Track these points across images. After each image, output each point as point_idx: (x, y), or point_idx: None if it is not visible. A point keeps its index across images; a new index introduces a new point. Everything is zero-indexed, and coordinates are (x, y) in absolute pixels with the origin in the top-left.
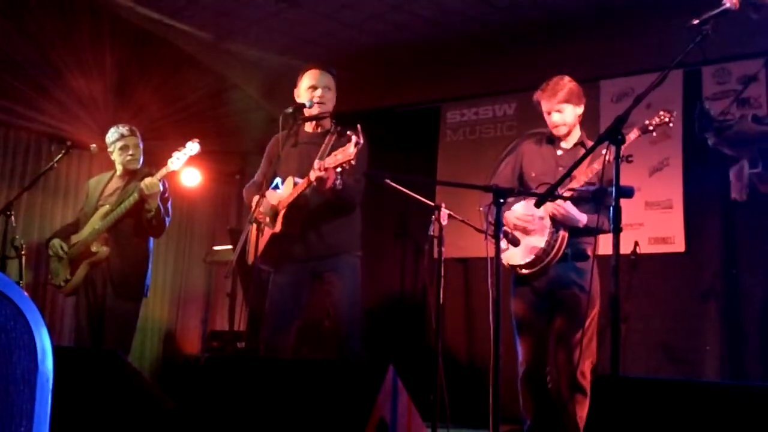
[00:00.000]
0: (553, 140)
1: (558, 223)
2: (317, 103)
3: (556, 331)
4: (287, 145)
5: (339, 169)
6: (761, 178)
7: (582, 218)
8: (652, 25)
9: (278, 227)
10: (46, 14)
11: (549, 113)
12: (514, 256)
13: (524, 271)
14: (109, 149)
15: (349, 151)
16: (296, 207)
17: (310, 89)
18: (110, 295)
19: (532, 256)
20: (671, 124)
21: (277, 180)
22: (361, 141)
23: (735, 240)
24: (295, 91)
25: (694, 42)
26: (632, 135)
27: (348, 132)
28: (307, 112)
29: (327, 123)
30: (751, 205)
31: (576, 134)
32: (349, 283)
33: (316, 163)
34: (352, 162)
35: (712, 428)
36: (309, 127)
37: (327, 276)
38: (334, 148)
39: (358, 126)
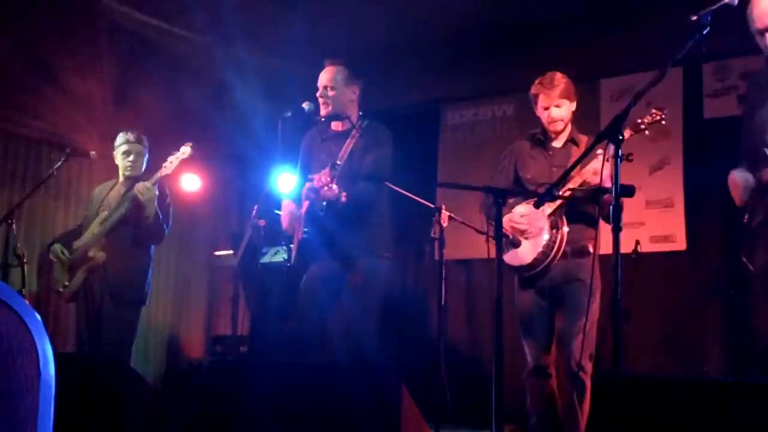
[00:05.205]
0: (544, 141)
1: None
2: (321, 103)
3: (557, 327)
4: (316, 141)
5: (334, 185)
6: None
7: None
8: (652, 23)
9: (300, 234)
10: (44, 21)
11: (547, 108)
12: (516, 259)
13: (526, 273)
14: (114, 153)
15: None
16: (313, 213)
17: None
18: (107, 302)
19: (533, 258)
20: (664, 122)
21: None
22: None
23: (736, 237)
24: None
25: (693, 38)
26: (625, 134)
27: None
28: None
29: (348, 121)
30: None
31: (567, 131)
32: (367, 286)
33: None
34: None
35: (715, 426)
36: (334, 124)
37: (346, 279)
38: (355, 148)
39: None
